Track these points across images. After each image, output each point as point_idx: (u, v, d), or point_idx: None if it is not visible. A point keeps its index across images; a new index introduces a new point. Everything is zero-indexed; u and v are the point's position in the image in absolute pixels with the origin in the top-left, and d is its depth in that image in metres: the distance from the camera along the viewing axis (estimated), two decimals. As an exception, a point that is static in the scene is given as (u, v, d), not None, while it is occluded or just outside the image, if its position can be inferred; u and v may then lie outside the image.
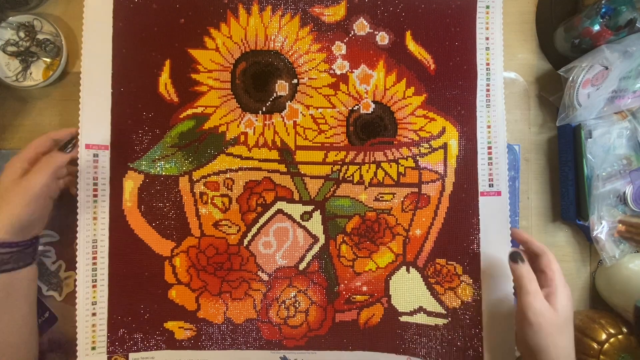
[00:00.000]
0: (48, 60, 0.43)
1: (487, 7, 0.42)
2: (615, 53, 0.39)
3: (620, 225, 0.41)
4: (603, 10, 0.39)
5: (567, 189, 0.45)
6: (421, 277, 0.42)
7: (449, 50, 0.42)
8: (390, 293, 0.42)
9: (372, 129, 0.42)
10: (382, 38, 0.42)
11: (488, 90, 0.42)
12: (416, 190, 0.42)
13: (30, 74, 0.43)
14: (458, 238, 0.42)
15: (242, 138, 0.42)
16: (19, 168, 0.35)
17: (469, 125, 0.42)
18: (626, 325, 0.42)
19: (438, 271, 0.42)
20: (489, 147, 0.42)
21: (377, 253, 0.42)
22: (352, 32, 0.42)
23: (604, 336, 0.41)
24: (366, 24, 0.42)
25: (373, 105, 0.42)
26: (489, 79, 0.42)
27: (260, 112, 0.42)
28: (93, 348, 0.40)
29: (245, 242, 0.42)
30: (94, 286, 0.40)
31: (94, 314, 0.40)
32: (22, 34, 0.42)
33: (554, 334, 0.31)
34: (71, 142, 0.39)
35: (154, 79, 0.41)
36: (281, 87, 0.42)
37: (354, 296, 0.42)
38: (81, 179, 0.39)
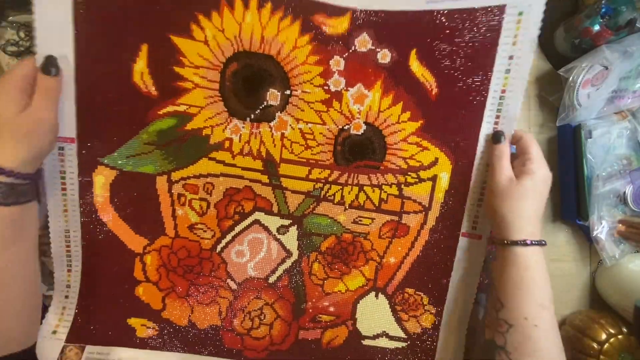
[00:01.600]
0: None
1: (520, 13, 0.35)
2: (615, 53, 0.39)
3: (620, 225, 0.41)
4: (603, 10, 0.39)
5: (567, 189, 0.44)
6: (388, 304, 0.43)
7: (459, 72, 0.38)
8: (356, 316, 0.42)
9: (360, 151, 0.41)
10: (384, 56, 0.40)
11: (497, 122, 0.39)
12: (396, 218, 0.42)
13: None
14: (430, 271, 0.42)
15: (227, 144, 0.41)
16: (17, 98, 0.32)
17: (465, 159, 0.40)
18: (626, 325, 0.42)
19: (405, 300, 0.42)
20: (483, 188, 0.40)
21: (348, 275, 0.42)
22: (353, 48, 0.40)
23: (604, 336, 0.41)
24: (369, 39, 0.40)
25: (364, 127, 0.41)
26: (500, 110, 0.38)
27: (248, 119, 0.41)
28: (54, 332, 0.41)
29: (219, 248, 0.42)
30: (68, 271, 0.40)
31: (66, 297, 0.41)
32: (22, 34, 0.41)
33: (513, 202, 0.35)
34: (53, 63, 0.34)
35: (127, 65, 0.37)
36: (273, 96, 0.40)
37: (320, 315, 0.42)
38: (47, 172, 0.38)
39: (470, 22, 0.37)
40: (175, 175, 0.40)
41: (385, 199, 0.42)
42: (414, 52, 0.39)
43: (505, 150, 0.38)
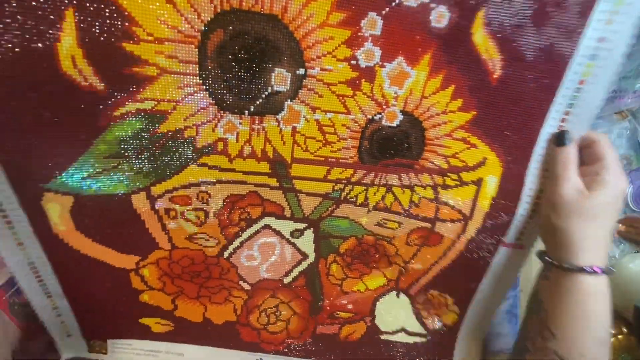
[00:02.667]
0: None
1: None
2: None
3: (620, 225, 0.41)
4: None
5: None
6: (410, 303, 0.42)
7: (531, 50, 0.28)
8: (375, 313, 0.42)
9: (392, 147, 0.32)
10: (440, 16, 0.27)
11: (564, 120, 0.31)
12: (428, 226, 0.36)
13: None
14: (460, 277, 0.39)
15: (221, 146, 0.31)
16: None
17: (520, 162, 0.33)
18: (626, 325, 0.42)
19: (429, 300, 0.42)
20: (538, 197, 0.33)
21: (368, 275, 0.40)
22: (397, 0, 0.26)
23: None
24: None
25: (401, 117, 0.31)
26: (573, 105, 0.30)
27: (246, 112, 0.30)
28: (69, 335, 0.39)
29: (226, 254, 0.37)
30: (48, 297, 0.36)
31: (59, 315, 0.37)
32: None
33: (582, 220, 0.29)
34: None
35: (47, 47, 0.24)
36: (279, 79, 0.28)
37: (338, 312, 0.42)
38: None
39: None
40: (157, 190, 0.32)
41: (417, 202, 0.35)
42: (481, 14, 0.27)
43: (572, 155, 0.31)
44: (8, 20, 0.23)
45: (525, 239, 0.36)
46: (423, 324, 0.43)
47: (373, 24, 0.27)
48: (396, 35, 0.28)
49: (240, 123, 0.30)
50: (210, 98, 0.28)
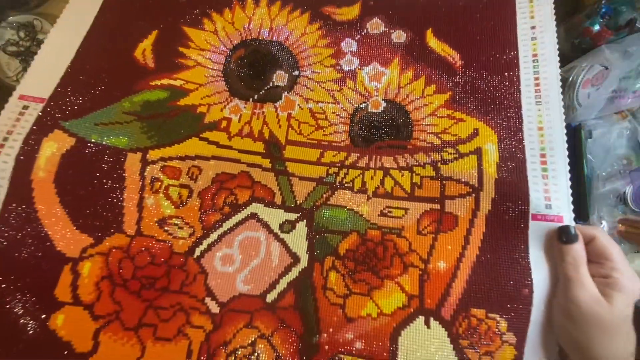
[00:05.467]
0: (48, 60, 0.42)
1: None
2: (615, 53, 0.38)
3: (620, 225, 0.39)
4: (603, 10, 0.39)
5: None
6: (447, 335, 0.27)
7: (481, 45, 0.36)
8: (398, 358, 0.27)
9: (381, 129, 0.34)
10: (399, 36, 0.38)
11: (538, 84, 0.34)
12: (437, 207, 0.31)
13: None
14: (502, 278, 0.28)
15: (224, 124, 0.34)
16: None
17: (512, 126, 0.33)
18: None
19: (474, 328, 0.27)
20: (542, 155, 0.32)
21: (380, 290, 0.29)
22: (365, 30, 0.38)
23: None
24: (381, 23, 0.39)
25: (384, 104, 0.36)
26: (538, 72, 0.35)
27: (251, 99, 0.36)
28: None
29: (198, 251, 0.30)
30: None
31: None
32: (22, 34, 0.42)
33: (604, 333, 0.24)
34: None
35: (133, 43, 0.36)
36: (279, 78, 0.37)
37: (342, 356, 0.27)
38: None
39: (483, 5, 0.38)
40: (154, 154, 0.33)
41: (419, 183, 0.32)
42: (429, 31, 0.38)
43: (582, 254, 0.27)
44: (118, 27, 0.37)
45: (557, 203, 0.29)
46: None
47: (350, 45, 0.38)
48: (369, 50, 0.38)
49: (244, 107, 0.35)
50: (226, 85, 0.36)
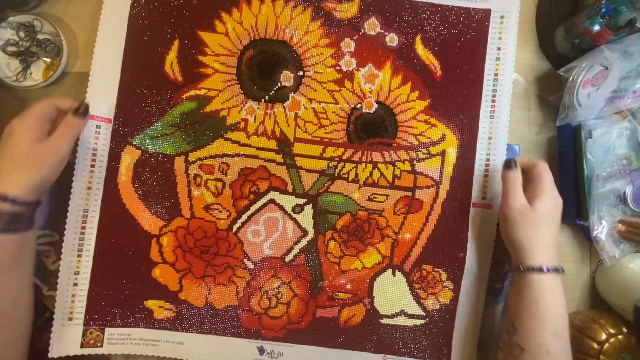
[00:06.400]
0: (48, 60, 0.43)
1: (502, 17, 0.41)
2: (615, 53, 0.38)
3: (620, 225, 0.41)
4: (603, 10, 0.39)
5: (567, 189, 0.44)
6: (406, 281, 0.42)
7: (457, 58, 0.42)
8: (374, 295, 0.42)
9: (373, 128, 0.42)
10: (392, 39, 0.42)
11: (494, 101, 0.42)
12: (409, 194, 0.42)
13: (30, 74, 0.43)
14: (447, 245, 0.42)
15: (242, 124, 0.42)
16: (35, 131, 0.34)
17: (469, 135, 0.42)
18: (626, 325, 0.41)
19: (424, 277, 0.42)
20: (487, 160, 0.42)
21: (364, 253, 0.42)
22: (363, 31, 0.42)
23: (604, 336, 0.40)
24: (377, 23, 0.42)
25: (376, 105, 0.42)
26: (496, 90, 0.42)
27: (262, 100, 0.42)
28: (70, 319, 0.41)
29: (235, 228, 0.42)
30: (79, 256, 0.41)
31: (75, 284, 0.41)
32: (22, 34, 0.42)
33: (528, 227, 0.35)
34: (84, 109, 0.37)
35: (161, 56, 0.41)
36: (286, 78, 0.42)
37: (337, 293, 0.42)
38: (81, 148, 0.40)
39: (463, 17, 0.41)
40: (193, 156, 0.42)
41: (398, 175, 0.42)
42: (418, 37, 0.42)
43: (518, 176, 0.37)
44: (147, 44, 0.41)
45: (489, 197, 0.41)
46: (421, 304, 0.41)
47: (348, 45, 0.42)
48: (365, 51, 0.42)
49: (258, 108, 0.42)
50: (240, 89, 0.42)
